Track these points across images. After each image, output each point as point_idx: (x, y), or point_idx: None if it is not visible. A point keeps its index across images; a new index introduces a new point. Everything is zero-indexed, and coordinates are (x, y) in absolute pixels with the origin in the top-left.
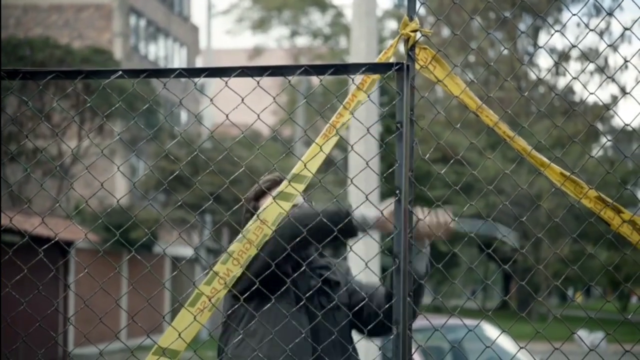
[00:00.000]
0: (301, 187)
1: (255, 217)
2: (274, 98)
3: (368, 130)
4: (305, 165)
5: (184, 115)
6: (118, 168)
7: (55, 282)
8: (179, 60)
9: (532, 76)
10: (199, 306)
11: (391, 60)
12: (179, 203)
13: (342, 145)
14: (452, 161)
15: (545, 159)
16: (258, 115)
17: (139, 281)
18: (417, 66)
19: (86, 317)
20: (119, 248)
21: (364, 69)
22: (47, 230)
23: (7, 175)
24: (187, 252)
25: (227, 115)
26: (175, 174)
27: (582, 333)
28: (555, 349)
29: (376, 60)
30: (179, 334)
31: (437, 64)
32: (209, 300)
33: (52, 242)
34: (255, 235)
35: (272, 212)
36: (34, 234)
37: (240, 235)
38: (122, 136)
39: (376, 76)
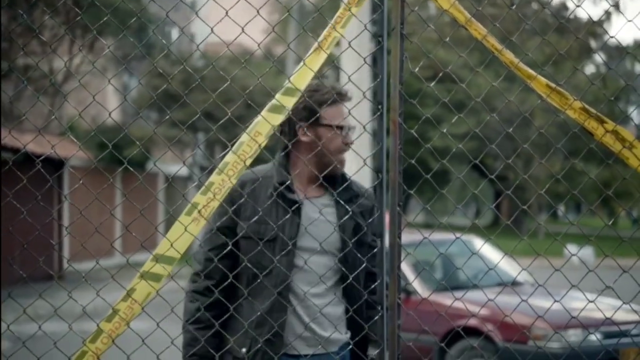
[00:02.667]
0: (293, 100)
1: (250, 127)
2: (258, 11)
3: (358, 52)
4: (290, 80)
5: (175, 34)
6: (109, 81)
7: (50, 199)
8: None
9: None
10: (195, 215)
11: None
12: (166, 119)
13: (335, 65)
14: (440, 75)
15: (532, 72)
16: (242, 29)
17: (133, 199)
18: None
19: (80, 233)
20: (113, 165)
21: None
22: (41, 147)
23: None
24: (180, 170)
25: (212, 29)
26: (164, 90)
27: (572, 248)
28: (555, 270)
29: None
30: (171, 244)
31: None
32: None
33: (45, 156)
34: (249, 147)
35: (265, 125)
36: (28, 150)
37: (235, 147)
38: (115, 54)
39: None
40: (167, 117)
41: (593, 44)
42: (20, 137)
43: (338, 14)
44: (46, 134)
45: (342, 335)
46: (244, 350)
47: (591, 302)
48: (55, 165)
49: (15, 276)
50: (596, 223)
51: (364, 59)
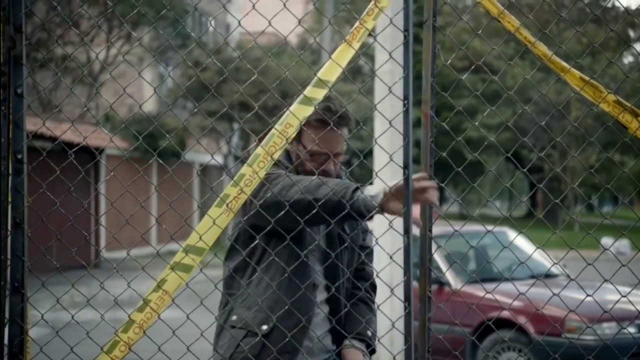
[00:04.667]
0: (322, 91)
1: (281, 119)
2: (284, 4)
3: (379, 39)
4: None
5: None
6: (139, 74)
7: (87, 188)
8: None
9: None
10: (227, 206)
11: None
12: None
13: (370, 54)
14: (472, 68)
15: (565, 64)
16: (269, 21)
17: (169, 189)
18: None
19: (117, 222)
20: (149, 155)
21: None
22: (78, 136)
23: (37, 81)
24: (215, 160)
25: (239, 22)
26: (199, 81)
27: (607, 241)
28: (587, 264)
29: None
30: (200, 236)
31: None
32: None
33: (82, 146)
34: (280, 139)
35: (294, 117)
36: (65, 140)
37: (266, 139)
38: (151, 45)
39: None
40: (196, 109)
41: (632, 34)
42: (58, 126)
43: (370, 7)
44: (83, 123)
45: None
46: (264, 327)
47: (624, 296)
48: (92, 154)
49: (54, 265)
50: (634, 215)
51: (390, 53)
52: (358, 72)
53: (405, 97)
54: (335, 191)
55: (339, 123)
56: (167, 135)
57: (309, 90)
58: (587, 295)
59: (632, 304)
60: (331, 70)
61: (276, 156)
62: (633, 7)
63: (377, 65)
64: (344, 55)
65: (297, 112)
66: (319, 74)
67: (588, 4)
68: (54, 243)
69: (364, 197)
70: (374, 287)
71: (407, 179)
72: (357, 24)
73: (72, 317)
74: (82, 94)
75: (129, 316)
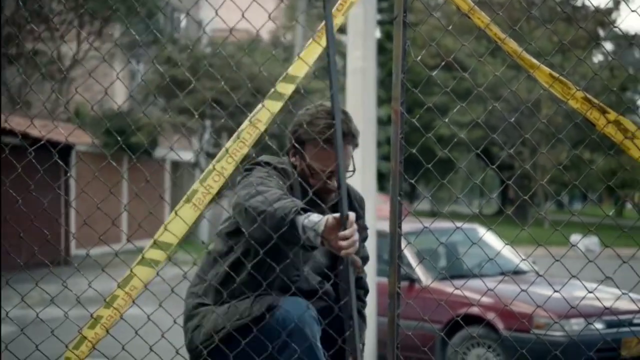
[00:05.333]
0: (291, 87)
1: (248, 118)
2: None
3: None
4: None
5: (183, 20)
6: (117, 75)
7: (58, 185)
8: None
9: None
10: (194, 202)
11: None
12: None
13: (342, 52)
14: (442, 65)
15: (535, 61)
16: (242, 14)
17: (140, 184)
18: None
19: (89, 219)
20: (120, 152)
21: None
22: (47, 132)
23: (7, 77)
24: (187, 156)
25: (216, 11)
26: (172, 77)
27: (576, 238)
28: (555, 261)
29: None
30: (164, 226)
31: None
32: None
33: (52, 142)
34: (248, 134)
35: (265, 112)
36: (35, 136)
37: (235, 134)
38: (121, 40)
39: None
40: (167, 106)
41: (601, 32)
42: (28, 122)
43: (339, 1)
44: (52, 119)
45: None
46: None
47: (590, 292)
48: (61, 151)
49: (22, 262)
50: (603, 212)
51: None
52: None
53: (333, 117)
54: (281, 207)
55: (345, 140)
56: (138, 133)
57: (279, 86)
58: (555, 292)
59: (599, 300)
60: (300, 66)
61: (244, 152)
62: (602, 6)
63: (349, 63)
64: (312, 52)
65: (268, 107)
66: (288, 70)
67: (559, 3)
68: (25, 240)
69: (306, 222)
70: (366, 293)
71: (342, 199)
72: (323, 22)
73: (37, 315)
74: (53, 89)
75: (91, 315)
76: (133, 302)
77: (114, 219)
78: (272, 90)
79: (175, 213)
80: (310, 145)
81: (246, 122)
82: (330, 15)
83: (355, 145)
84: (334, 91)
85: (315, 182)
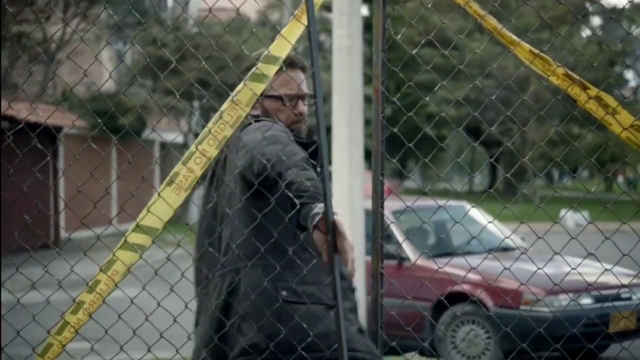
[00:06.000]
0: (274, 68)
1: (229, 98)
2: None
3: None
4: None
5: (170, 0)
6: (95, 57)
7: (45, 169)
8: None
9: None
10: (176, 184)
11: None
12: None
13: (329, 29)
14: (423, 42)
15: (515, 37)
16: (237, 9)
17: (129, 168)
18: None
19: (77, 202)
20: (108, 134)
21: None
22: (36, 116)
23: None
24: (176, 137)
25: (210, 10)
26: (158, 58)
27: (567, 213)
28: (538, 238)
29: None
30: (147, 209)
31: None
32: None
33: (40, 126)
34: (229, 116)
35: (245, 93)
36: (21, 119)
37: (216, 115)
38: (108, 22)
39: None
40: (154, 87)
41: (589, 7)
42: (14, 105)
43: None
44: (40, 102)
45: None
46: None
47: (573, 269)
48: (49, 134)
49: (15, 246)
50: (592, 186)
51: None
52: (320, 49)
53: (315, 96)
54: (306, 179)
55: (304, 67)
56: (122, 116)
57: (260, 67)
58: (538, 268)
59: (582, 276)
60: (281, 46)
61: (226, 133)
62: None
63: (334, 42)
64: (294, 30)
65: (250, 88)
66: (270, 49)
67: None
68: (16, 224)
69: (310, 208)
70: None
71: (323, 178)
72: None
73: (18, 300)
74: (40, 73)
75: (73, 300)
76: (116, 285)
77: (96, 202)
78: (253, 70)
79: (159, 195)
80: (279, 75)
81: (227, 102)
82: None
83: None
84: (315, 69)
85: (284, 115)
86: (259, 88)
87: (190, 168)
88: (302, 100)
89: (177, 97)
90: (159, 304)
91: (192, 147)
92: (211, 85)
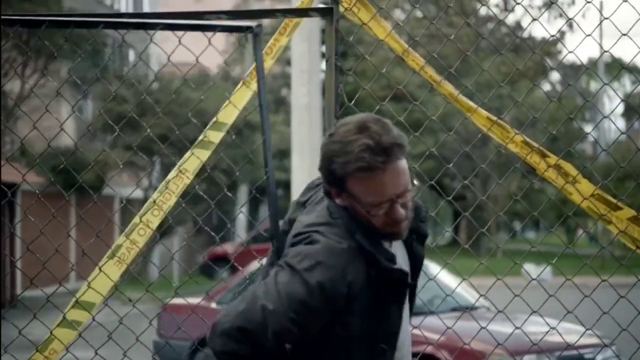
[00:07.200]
0: (220, 134)
1: (176, 167)
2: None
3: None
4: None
5: (132, 55)
6: (72, 114)
7: (1, 227)
8: None
9: (482, 12)
10: (118, 257)
11: (314, 4)
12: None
13: (289, 84)
14: (390, 97)
15: (472, 104)
16: (197, 58)
17: (88, 224)
18: (341, 9)
19: (36, 260)
20: (67, 190)
21: (254, 27)
22: None
23: None
24: (136, 193)
25: (168, 57)
26: (118, 113)
27: (529, 267)
28: (515, 296)
29: (297, 5)
30: (88, 284)
31: (362, 6)
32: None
33: None
34: (175, 185)
35: (192, 161)
36: None
37: (161, 185)
38: (67, 77)
39: (298, 20)
40: (111, 143)
41: (549, 62)
42: None
43: (269, 44)
44: None
45: None
46: None
47: (553, 328)
48: (5, 192)
49: None
50: (554, 240)
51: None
52: (281, 103)
53: (266, 165)
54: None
55: (388, 158)
56: (79, 173)
57: (208, 133)
58: (516, 328)
59: (560, 335)
60: (230, 112)
61: (171, 202)
62: (549, 36)
63: (293, 99)
64: (242, 96)
65: (197, 156)
66: (218, 116)
67: (506, 34)
68: None
69: None
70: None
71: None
72: (252, 65)
73: None
74: None
75: None
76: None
77: (45, 262)
78: (200, 137)
79: (100, 269)
80: (352, 179)
81: (174, 171)
82: (261, 56)
83: (405, 154)
84: (266, 128)
85: (377, 220)
86: (205, 155)
87: (134, 240)
88: (401, 197)
89: (134, 150)
90: None
91: (136, 219)
92: (171, 141)
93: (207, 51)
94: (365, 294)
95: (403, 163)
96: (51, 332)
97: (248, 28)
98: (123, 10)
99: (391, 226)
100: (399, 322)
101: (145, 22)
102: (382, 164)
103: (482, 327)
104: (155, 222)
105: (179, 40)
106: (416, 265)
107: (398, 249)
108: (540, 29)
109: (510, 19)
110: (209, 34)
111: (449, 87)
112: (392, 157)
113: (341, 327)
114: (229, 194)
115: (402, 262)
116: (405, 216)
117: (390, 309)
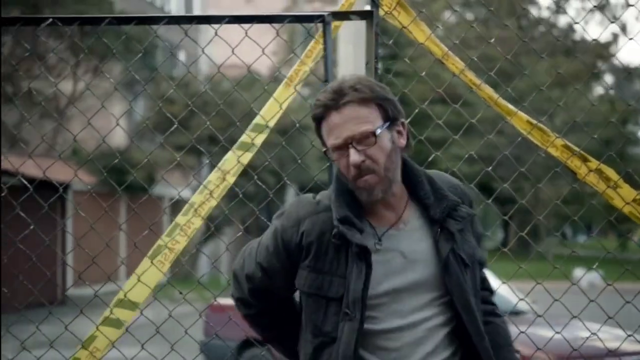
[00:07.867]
0: (261, 137)
1: (216, 168)
2: (246, 32)
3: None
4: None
5: (182, 56)
6: (117, 121)
7: (54, 225)
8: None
9: (534, 14)
10: (160, 259)
11: (355, 8)
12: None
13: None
14: (431, 97)
15: (512, 107)
16: (248, 67)
17: (137, 223)
18: (381, 12)
19: (86, 258)
20: (117, 190)
21: (326, 15)
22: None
23: (3, 116)
24: (185, 193)
25: (218, 68)
26: (172, 116)
27: (580, 271)
28: (555, 300)
29: (338, 8)
30: (125, 294)
31: (402, 9)
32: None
33: (47, 181)
34: (216, 186)
35: (231, 162)
36: (31, 175)
37: (201, 187)
38: (119, 78)
39: (339, 23)
40: (161, 142)
41: (601, 65)
42: (20, 161)
43: (309, 47)
44: (50, 158)
45: None
46: None
47: (594, 334)
48: (57, 190)
49: (19, 303)
50: (607, 244)
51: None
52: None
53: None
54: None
55: (340, 97)
56: (131, 170)
57: (247, 136)
58: (556, 332)
59: (601, 341)
60: (272, 111)
61: (211, 205)
62: (601, 40)
63: None
64: (283, 95)
65: (239, 159)
66: (258, 117)
67: (558, 37)
68: (21, 281)
69: None
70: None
71: None
72: (296, 64)
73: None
74: (49, 128)
75: None
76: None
77: (94, 258)
78: (241, 139)
79: (138, 276)
80: (321, 126)
81: (214, 172)
82: (330, 46)
83: (367, 99)
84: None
85: (347, 172)
86: (246, 158)
87: (175, 241)
88: (358, 142)
89: (183, 152)
90: None
91: (178, 219)
92: (220, 141)
93: (257, 52)
94: (318, 248)
95: (362, 109)
96: (97, 327)
97: (319, 17)
98: (174, 11)
99: (355, 178)
100: (361, 291)
101: (210, 16)
102: (332, 101)
103: (521, 332)
104: (196, 224)
105: (246, 33)
106: (447, 264)
107: (418, 240)
108: (593, 32)
109: (563, 22)
110: (265, 33)
111: (488, 91)
112: (344, 97)
113: (298, 279)
114: (272, 196)
115: (411, 251)
116: (367, 167)
117: (351, 272)
